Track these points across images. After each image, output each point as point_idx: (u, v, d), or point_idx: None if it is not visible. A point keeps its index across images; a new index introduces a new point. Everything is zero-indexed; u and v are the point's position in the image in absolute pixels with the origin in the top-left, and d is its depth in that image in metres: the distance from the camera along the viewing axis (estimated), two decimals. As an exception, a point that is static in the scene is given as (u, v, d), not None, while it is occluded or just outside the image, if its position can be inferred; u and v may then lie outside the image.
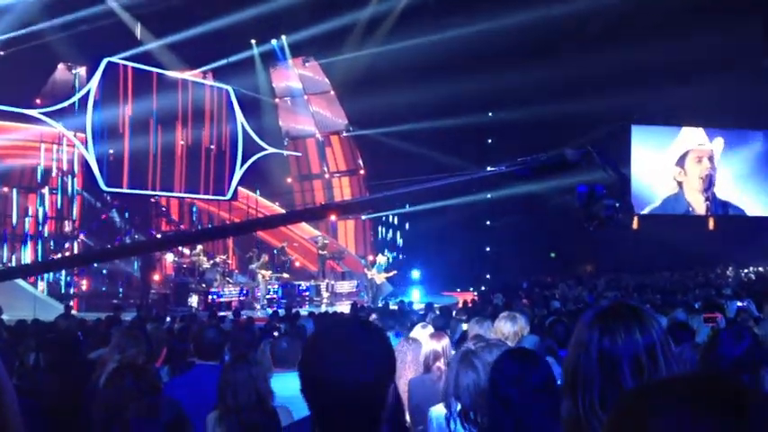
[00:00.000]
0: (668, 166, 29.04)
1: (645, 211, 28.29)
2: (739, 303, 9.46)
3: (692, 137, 29.17)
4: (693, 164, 29.09)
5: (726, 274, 22.02)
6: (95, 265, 18.75)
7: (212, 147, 21.10)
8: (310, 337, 1.76)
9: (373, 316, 10.13)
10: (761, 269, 22.95)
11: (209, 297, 17.98)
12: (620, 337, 1.68)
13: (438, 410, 3.50)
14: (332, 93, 24.72)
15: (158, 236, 20.66)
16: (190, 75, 21.39)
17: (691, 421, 0.93)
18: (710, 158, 29.23)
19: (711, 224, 29.00)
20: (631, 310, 1.75)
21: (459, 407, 3.36)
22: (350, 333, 1.66)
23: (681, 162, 28.97)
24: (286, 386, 3.75)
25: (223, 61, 21.31)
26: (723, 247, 25.92)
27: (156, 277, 19.67)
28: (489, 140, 26.42)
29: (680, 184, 29.09)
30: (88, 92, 18.17)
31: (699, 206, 29.18)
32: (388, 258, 21.57)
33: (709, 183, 29.16)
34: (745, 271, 22.37)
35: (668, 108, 25.44)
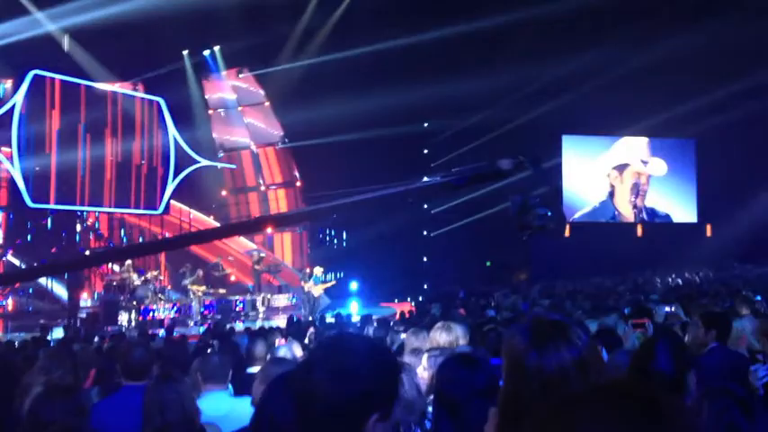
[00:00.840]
0: (600, 173, 29.75)
1: (575, 216, 28.94)
2: (667, 308, 9.69)
3: (624, 145, 29.96)
4: (622, 172, 29.90)
5: (654, 279, 22.60)
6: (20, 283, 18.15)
7: (143, 160, 20.69)
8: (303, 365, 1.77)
9: (311, 330, 10.06)
10: (687, 275, 23.64)
11: (141, 315, 17.57)
12: (548, 353, 1.69)
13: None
14: (267, 104, 24.53)
15: (87, 252, 20.12)
16: (119, 86, 20.96)
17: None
18: (639, 166, 30.07)
19: (639, 231, 29.81)
20: (555, 325, 1.76)
21: None
22: (340, 351, 1.66)
23: (612, 169, 29.73)
24: (216, 404, 3.67)
25: (154, 72, 20.91)
26: (651, 254, 26.65)
27: (85, 295, 19.13)
28: (425, 151, 26.61)
29: (611, 190, 29.80)
30: (13, 105, 17.60)
31: (627, 213, 29.95)
32: (325, 271, 21.47)
33: (636, 191, 29.98)
34: (673, 276, 23.01)
35: (598, 117, 26.06)
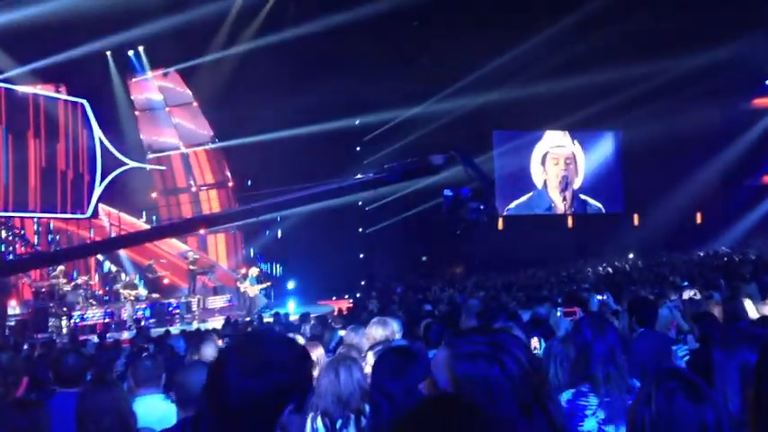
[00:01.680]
0: (531, 167, 30.34)
1: (511, 206, 29.44)
2: (600, 297, 9.96)
3: (553, 139, 30.62)
4: (551, 165, 30.54)
5: (585, 269, 23.16)
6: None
7: (69, 163, 20.12)
8: (225, 351, 1.77)
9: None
10: (617, 263, 24.29)
11: (72, 321, 17.11)
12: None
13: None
14: (195, 104, 24.14)
15: (12, 258, 19.46)
16: (41, 89, 20.32)
17: None
18: (567, 159, 30.76)
19: (570, 222, 30.50)
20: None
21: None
22: (254, 344, 1.68)
23: (543, 162, 30.38)
24: (150, 408, 3.60)
25: (76, 74, 20.30)
26: (581, 244, 27.33)
27: (13, 303, 18.50)
28: (358, 148, 26.63)
29: (544, 183, 30.46)
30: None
31: (559, 205, 30.64)
32: (261, 270, 21.30)
33: (565, 183, 30.67)
34: (603, 265, 23.62)
35: (527, 112, 26.51)
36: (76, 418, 3.23)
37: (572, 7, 21.84)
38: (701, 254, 24.85)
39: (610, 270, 21.64)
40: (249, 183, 22.69)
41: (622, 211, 31.09)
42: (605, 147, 31.52)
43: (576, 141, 31.00)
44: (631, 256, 27.51)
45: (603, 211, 31.14)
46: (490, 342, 1.70)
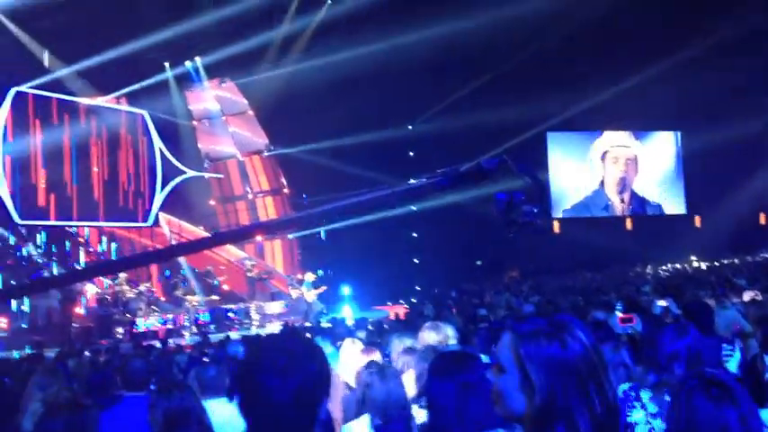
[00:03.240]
0: (587, 168, 29.90)
1: (567, 206, 29.07)
2: (661, 303, 9.77)
3: (613, 138, 30.12)
4: (611, 164, 30.05)
5: (644, 272, 22.74)
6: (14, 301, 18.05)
7: (130, 173, 20.66)
8: (246, 356, 1.81)
9: (307, 335, 10.09)
10: (677, 266, 23.80)
11: (135, 327, 17.53)
12: None
13: (351, 426, 3.52)
14: (250, 112, 24.54)
15: (79, 267, 20.06)
16: (103, 101, 20.92)
17: None
18: (628, 159, 30.25)
19: (629, 224, 29.97)
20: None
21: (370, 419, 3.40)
22: (287, 347, 1.73)
23: (602, 160, 29.91)
24: (214, 414, 3.70)
25: (136, 86, 20.86)
26: (641, 246, 26.82)
27: (78, 310, 19.06)
28: (411, 153, 26.66)
29: (601, 182, 29.96)
30: (-4, 123, 17.58)
31: (617, 204, 30.11)
32: (317, 276, 21.47)
33: (623, 184, 30.16)
34: (663, 268, 23.17)
35: (582, 114, 26.18)
36: (150, 421, 3.32)
37: (635, 8, 21.49)
38: (766, 255, 24.16)
39: (670, 273, 21.21)
40: (305, 197, 22.97)
41: (684, 212, 30.44)
42: (666, 147, 30.90)
43: (637, 141, 30.46)
44: (693, 258, 26.91)
45: (663, 211, 30.50)
46: (551, 322, 1.73)
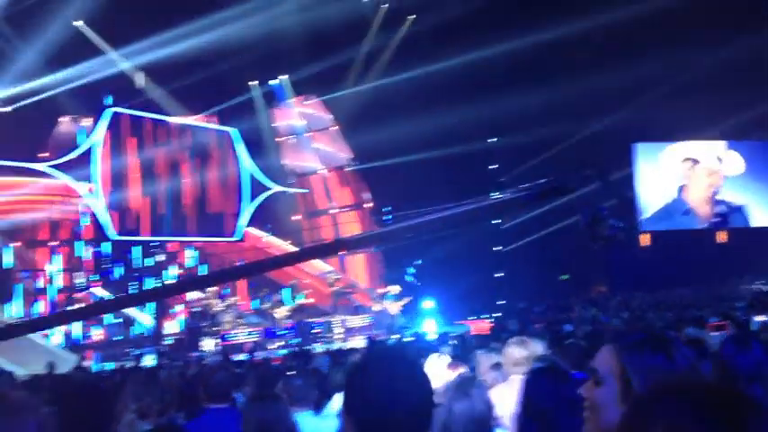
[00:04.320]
0: (673, 174, 28.88)
1: (646, 216, 28.11)
2: (761, 318, 9.39)
3: (706, 147, 29.05)
4: (704, 175, 28.93)
5: (739, 287, 21.84)
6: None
7: (219, 189, 21.24)
8: (359, 366, 1.81)
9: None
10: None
11: (223, 339, 17.95)
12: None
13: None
14: (334, 128, 24.90)
15: (172, 281, 20.69)
16: (193, 119, 21.63)
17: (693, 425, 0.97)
18: (715, 169, 29.13)
19: (721, 237, 28.84)
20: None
21: None
22: (398, 362, 1.75)
23: (687, 169, 28.82)
24: (303, 424, 3.75)
25: (225, 104, 21.51)
26: (734, 260, 25.77)
27: (170, 323, 19.67)
28: (494, 166, 26.47)
29: (683, 185, 28.81)
30: (94, 142, 18.40)
31: (700, 208, 28.87)
32: (400, 289, 21.48)
33: (711, 195, 29.00)
34: (759, 283, 22.20)
35: (671, 123, 25.46)
36: (257, 429, 3.35)
37: (726, 12, 20.84)
38: None
39: (766, 288, 20.32)
40: (388, 208, 23.04)
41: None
42: (762, 157, 29.64)
43: (729, 151, 29.30)
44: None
45: (748, 216, 29.12)
46: (656, 335, 1.71)
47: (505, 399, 3.84)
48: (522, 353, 4.75)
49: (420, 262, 23.41)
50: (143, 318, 19.88)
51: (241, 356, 14.06)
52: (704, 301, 17.15)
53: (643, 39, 21.62)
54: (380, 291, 21.92)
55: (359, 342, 16.92)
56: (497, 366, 4.80)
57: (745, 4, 20.81)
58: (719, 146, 29.09)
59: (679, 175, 28.87)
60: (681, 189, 28.77)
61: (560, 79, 22.86)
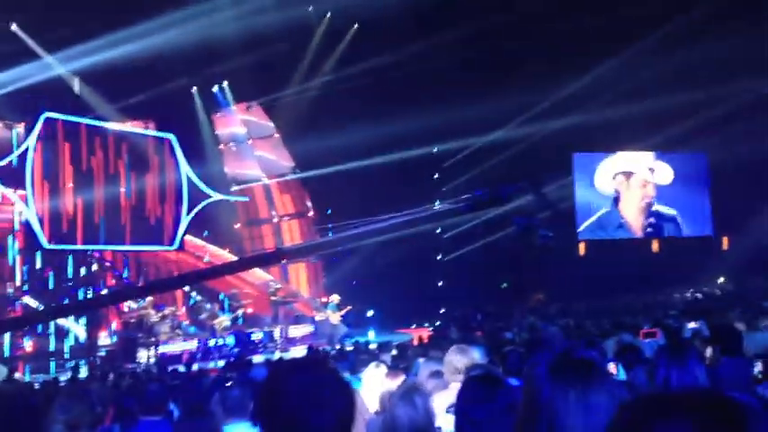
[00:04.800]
0: (607, 186, 29.57)
1: (581, 228, 28.71)
2: (692, 324, 9.61)
3: (632, 158, 29.80)
4: (631, 186, 29.68)
5: (673, 295, 22.43)
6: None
7: (157, 196, 20.84)
8: (270, 381, 1.73)
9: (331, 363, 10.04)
10: (706, 289, 23.47)
11: (159, 351, 17.58)
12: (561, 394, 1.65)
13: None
14: (276, 136, 24.73)
15: (106, 291, 20.20)
16: (131, 125, 21.20)
17: None
18: (647, 180, 29.90)
19: (655, 246, 29.59)
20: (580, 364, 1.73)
21: None
22: (316, 378, 1.68)
23: (618, 180, 29.52)
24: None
25: (164, 110, 21.11)
26: (668, 269, 26.44)
27: (103, 334, 19.18)
28: (436, 175, 26.66)
29: (617, 196, 29.51)
30: (27, 148, 17.84)
31: (633, 220, 29.61)
32: (340, 298, 21.42)
33: (645, 206, 29.75)
34: (692, 291, 22.85)
35: (607, 134, 26.03)
36: None
37: (653, 28, 21.48)
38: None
39: (699, 296, 20.89)
40: (329, 211, 22.97)
41: (711, 234, 30.01)
42: (692, 168, 30.54)
43: (659, 161, 30.13)
44: (721, 280, 26.49)
45: (680, 224, 30.01)
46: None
47: (446, 407, 3.83)
48: (462, 360, 4.75)
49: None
50: (76, 328, 19.33)
51: (179, 367, 13.80)
52: (639, 308, 17.54)
53: (582, 50, 22.05)
54: (322, 300, 21.81)
55: (300, 352, 16.78)
56: (437, 374, 4.80)
57: (680, 19, 21.42)
58: (650, 156, 29.88)
59: (613, 188, 29.54)
60: (615, 201, 29.45)
61: (503, 89, 23.18)
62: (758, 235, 25.95)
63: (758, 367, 4.81)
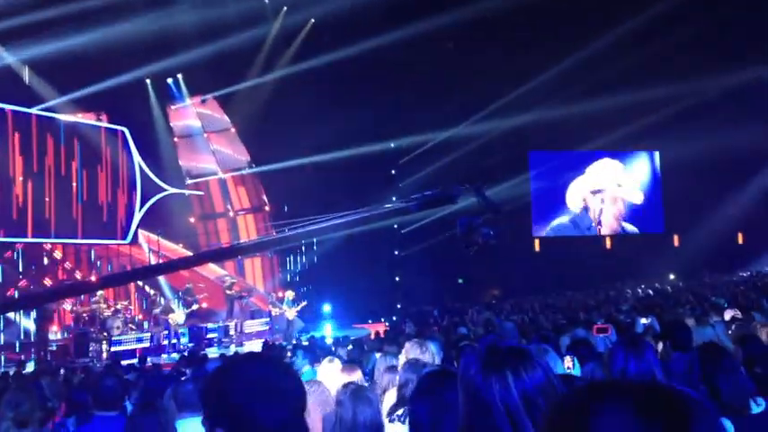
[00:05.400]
0: (571, 189, 30.09)
1: (549, 227, 29.19)
2: (644, 320, 9.77)
3: (598, 168, 30.38)
4: (609, 203, 30.38)
5: (624, 291, 22.83)
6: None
7: (110, 189, 20.50)
8: (219, 374, 1.70)
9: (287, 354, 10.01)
10: (657, 285, 23.93)
11: (112, 345, 17.30)
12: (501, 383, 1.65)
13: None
14: (232, 130, 24.47)
15: (56, 285, 19.80)
16: (83, 117, 20.78)
17: (636, 425, 0.94)
18: (613, 185, 30.54)
19: (608, 243, 30.14)
20: (510, 352, 1.74)
21: None
22: (265, 370, 1.66)
23: (594, 193, 30.17)
24: (189, 431, 3.63)
25: (117, 102, 20.72)
26: (620, 265, 26.95)
27: (54, 328, 18.80)
28: (393, 171, 26.71)
29: (586, 205, 30.14)
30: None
31: (604, 229, 30.33)
32: (297, 294, 21.35)
33: (608, 207, 30.40)
34: (643, 287, 23.27)
35: (562, 133, 26.38)
36: None
37: (608, 28, 21.79)
38: (743, 274, 24.35)
39: (650, 291, 21.30)
40: (285, 208, 22.84)
41: (662, 231, 30.65)
42: (644, 167, 31.18)
43: (617, 162, 30.72)
44: (672, 277, 27.07)
45: (638, 232, 30.76)
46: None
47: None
48: (419, 354, 4.78)
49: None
50: (26, 322, 18.92)
51: (133, 361, 13.61)
52: (592, 304, 17.79)
53: (538, 48, 22.30)
54: (278, 295, 21.69)
55: (256, 346, 16.67)
56: (392, 369, 4.81)
57: (633, 20, 21.77)
58: (618, 167, 30.50)
59: (583, 194, 30.17)
60: (585, 209, 30.07)
61: (459, 87, 23.34)
62: (708, 233, 26.59)
63: None
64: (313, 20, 22.48)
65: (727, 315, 8.57)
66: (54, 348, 17.66)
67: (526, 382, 1.65)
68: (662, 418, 0.95)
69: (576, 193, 30.12)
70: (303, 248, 24.68)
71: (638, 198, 30.56)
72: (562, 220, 29.84)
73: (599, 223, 30.20)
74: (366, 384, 4.56)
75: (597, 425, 0.96)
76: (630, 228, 30.57)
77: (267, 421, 1.56)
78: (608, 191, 30.28)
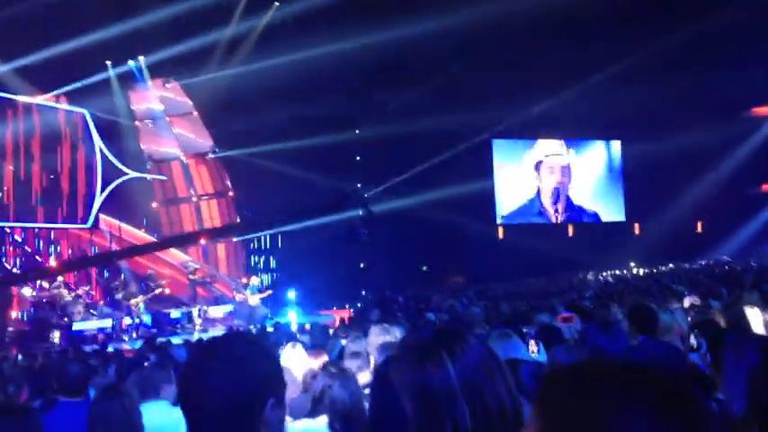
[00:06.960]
0: (526, 175, 30.40)
1: (505, 213, 29.48)
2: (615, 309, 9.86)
3: (548, 147, 30.66)
4: (546, 174, 30.57)
5: (587, 278, 23.14)
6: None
7: (70, 173, 20.16)
8: (193, 356, 1.73)
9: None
10: (618, 272, 24.29)
11: (73, 331, 17.07)
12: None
13: (307, 424, 3.48)
14: (195, 114, 24.15)
15: (15, 271, 19.46)
16: (42, 99, 20.36)
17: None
18: (563, 169, 30.81)
19: (571, 231, 30.50)
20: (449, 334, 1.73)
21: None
22: (225, 344, 1.67)
23: (536, 170, 30.45)
24: (153, 416, 3.60)
25: (77, 84, 20.34)
26: (583, 253, 27.29)
27: (14, 313, 18.48)
28: (357, 158, 26.65)
29: (537, 190, 30.47)
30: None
31: (551, 212, 30.63)
32: (262, 280, 21.24)
33: (557, 193, 30.71)
34: (605, 274, 23.61)
35: (526, 121, 26.55)
36: (87, 425, 3.23)
37: (573, 19, 21.93)
38: (703, 262, 24.82)
39: (611, 279, 21.61)
40: (249, 193, 22.72)
41: (624, 219, 31.10)
42: (605, 156, 31.57)
43: (571, 150, 31.04)
44: (633, 264, 27.51)
45: (600, 218, 31.15)
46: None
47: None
48: (385, 339, 4.80)
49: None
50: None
51: (94, 348, 13.44)
52: (554, 291, 18.01)
53: (502, 38, 22.36)
54: (243, 281, 21.55)
55: (219, 332, 16.55)
56: (356, 355, 4.83)
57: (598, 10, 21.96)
58: (571, 150, 30.81)
59: (532, 178, 30.41)
60: (537, 191, 30.34)
61: (424, 74, 23.33)
62: (669, 221, 27.06)
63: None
64: (277, 3, 22.24)
65: (687, 302, 8.72)
66: (12, 333, 17.37)
67: (465, 359, 1.63)
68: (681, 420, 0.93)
69: (527, 173, 30.40)
70: (268, 235, 24.56)
71: (573, 159, 30.85)
72: (515, 206, 30.10)
73: (556, 200, 30.48)
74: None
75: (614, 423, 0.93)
76: (587, 208, 30.90)
77: (219, 397, 1.57)
78: (545, 162, 30.59)
